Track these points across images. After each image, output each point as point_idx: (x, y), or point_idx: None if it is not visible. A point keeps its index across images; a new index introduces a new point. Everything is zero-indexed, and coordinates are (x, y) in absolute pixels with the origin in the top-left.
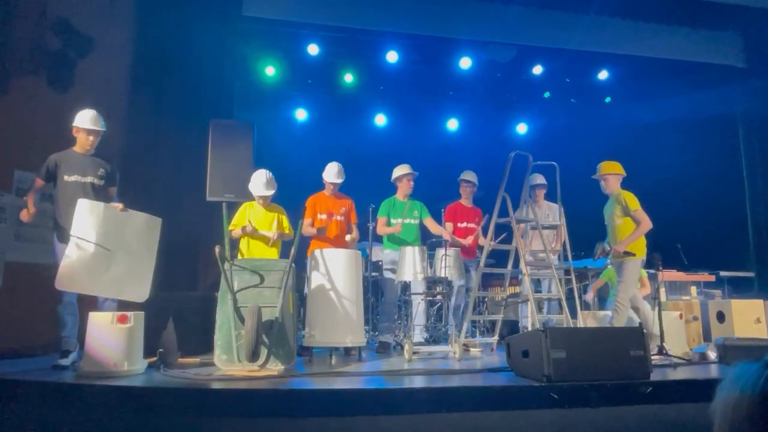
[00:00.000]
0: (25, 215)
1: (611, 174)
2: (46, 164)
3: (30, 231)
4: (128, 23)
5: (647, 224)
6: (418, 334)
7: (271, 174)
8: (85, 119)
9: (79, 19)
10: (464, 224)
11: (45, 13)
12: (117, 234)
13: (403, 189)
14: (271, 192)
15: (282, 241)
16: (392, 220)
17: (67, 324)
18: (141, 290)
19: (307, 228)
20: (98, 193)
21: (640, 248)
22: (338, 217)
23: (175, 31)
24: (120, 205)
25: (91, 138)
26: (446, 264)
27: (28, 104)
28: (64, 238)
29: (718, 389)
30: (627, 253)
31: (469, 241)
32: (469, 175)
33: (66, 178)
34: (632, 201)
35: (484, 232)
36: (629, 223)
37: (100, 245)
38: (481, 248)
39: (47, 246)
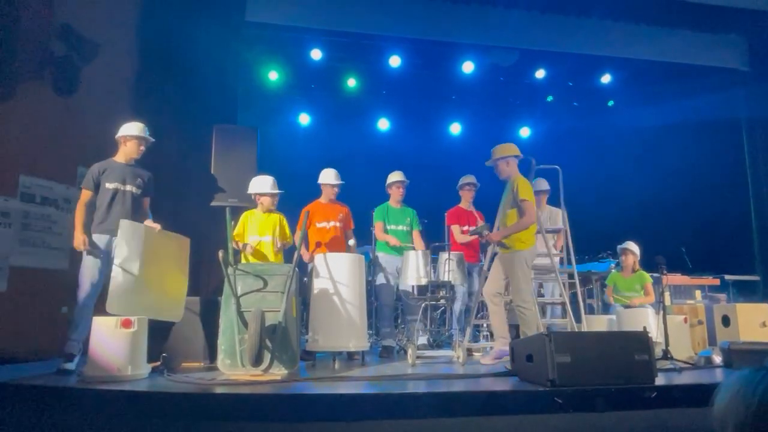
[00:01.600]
0: (82, 243)
1: (500, 158)
2: (91, 174)
3: (35, 236)
4: (132, 29)
5: (530, 218)
6: (421, 338)
7: (273, 179)
8: (138, 129)
9: (83, 24)
10: (467, 227)
11: (50, 19)
12: (157, 255)
13: (394, 196)
14: (275, 190)
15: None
16: (388, 227)
17: (78, 327)
18: (177, 310)
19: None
20: (135, 202)
21: (527, 239)
22: (336, 224)
23: (179, 37)
24: (158, 226)
25: (142, 147)
26: (449, 268)
27: (34, 109)
28: (100, 242)
29: (718, 393)
30: (500, 245)
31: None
32: (470, 178)
33: (107, 185)
34: (524, 189)
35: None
36: (516, 214)
37: (143, 268)
38: (484, 251)
39: (52, 251)
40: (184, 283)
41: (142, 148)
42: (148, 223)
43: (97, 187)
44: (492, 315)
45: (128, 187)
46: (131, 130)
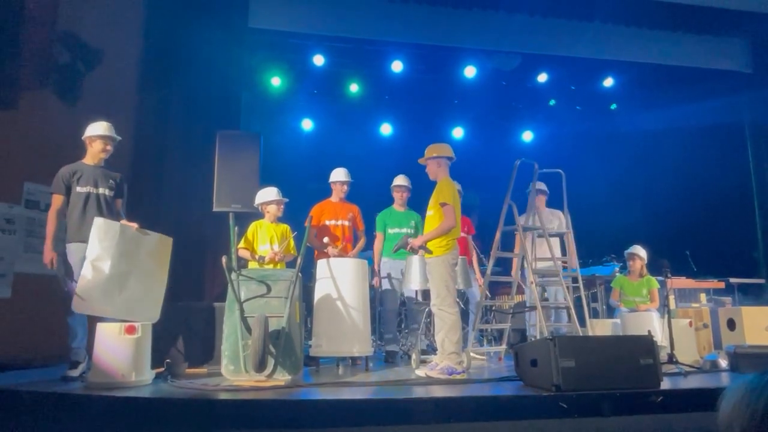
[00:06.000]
0: (50, 262)
1: (431, 159)
2: (60, 178)
3: (39, 242)
4: (135, 35)
5: (449, 222)
6: (424, 343)
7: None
8: (102, 127)
9: (87, 31)
10: None
11: (54, 27)
12: (132, 254)
13: (396, 200)
14: (280, 197)
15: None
16: (389, 230)
17: (77, 335)
18: (153, 311)
19: (313, 240)
20: (108, 205)
21: (446, 243)
22: (345, 223)
23: (182, 43)
24: (135, 225)
25: (108, 147)
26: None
27: (37, 117)
28: (79, 251)
29: (723, 399)
30: (423, 249)
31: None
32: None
33: (78, 189)
34: (444, 192)
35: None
36: (437, 218)
37: (115, 267)
38: (487, 255)
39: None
40: (163, 284)
41: (109, 147)
42: (124, 222)
43: (68, 191)
44: (446, 326)
45: (101, 190)
46: (96, 129)
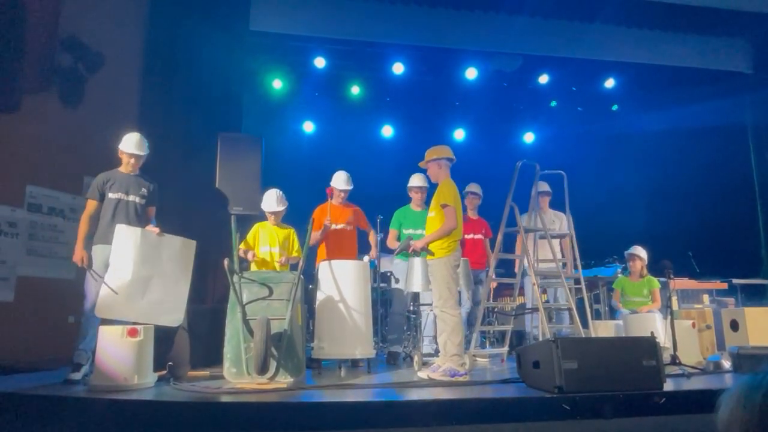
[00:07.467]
0: (80, 260)
1: (431, 161)
2: (95, 185)
3: (41, 246)
4: (137, 39)
5: (450, 224)
6: (427, 345)
7: (281, 192)
8: (130, 144)
9: (89, 35)
10: (471, 236)
11: (56, 31)
12: (154, 259)
13: (414, 200)
14: (281, 208)
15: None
16: (404, 230)
17: (87, 336)
18: (176, 315)
19: (316, 236)
20: (139, 212)
21: (448, 245)
22: (346, 227)
23: (184, 46)
24: (157, 229)
25: (132, 161)
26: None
27: (40, 120)
28: (104, 252)
29: (721, 402)
30: (425, 250)
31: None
32: (474, 187)
33: (110, 195)
34: (445, 193)
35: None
36: (438, 219)
37: (137, 271)
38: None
39: (58, 261)
40: (186, 286)
41: (133, 161)
42: (148, 228)
43: (102, 197)
44: (448, 327)
45: (131, 197)
46: (125, 146)
